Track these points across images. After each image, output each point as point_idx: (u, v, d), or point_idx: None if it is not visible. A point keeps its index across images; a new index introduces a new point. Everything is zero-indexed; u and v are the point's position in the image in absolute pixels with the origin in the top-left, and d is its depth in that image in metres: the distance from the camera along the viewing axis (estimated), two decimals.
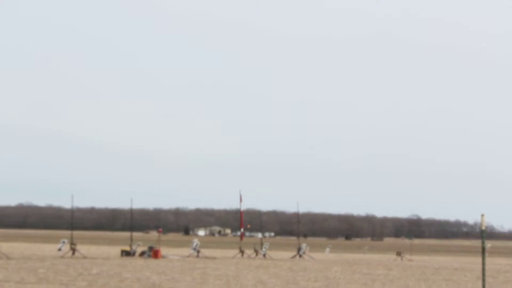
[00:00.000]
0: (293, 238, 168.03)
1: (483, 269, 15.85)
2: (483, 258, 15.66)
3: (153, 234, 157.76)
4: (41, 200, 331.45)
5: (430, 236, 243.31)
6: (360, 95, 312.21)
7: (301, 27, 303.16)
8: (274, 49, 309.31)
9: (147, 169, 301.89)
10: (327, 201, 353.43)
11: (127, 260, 33.67)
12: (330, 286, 20.94)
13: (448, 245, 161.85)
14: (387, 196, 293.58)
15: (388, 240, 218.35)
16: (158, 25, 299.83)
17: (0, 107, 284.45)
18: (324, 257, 50.82)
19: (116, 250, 47.11)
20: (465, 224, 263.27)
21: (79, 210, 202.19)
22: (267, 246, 43.63)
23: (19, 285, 18.17)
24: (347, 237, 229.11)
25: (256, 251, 42.34)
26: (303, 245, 46.47)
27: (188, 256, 39.56)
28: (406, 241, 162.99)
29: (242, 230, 46.53)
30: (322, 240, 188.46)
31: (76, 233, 41.69)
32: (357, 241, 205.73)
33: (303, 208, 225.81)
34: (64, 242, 39.84)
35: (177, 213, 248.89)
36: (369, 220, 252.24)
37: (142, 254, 37.45)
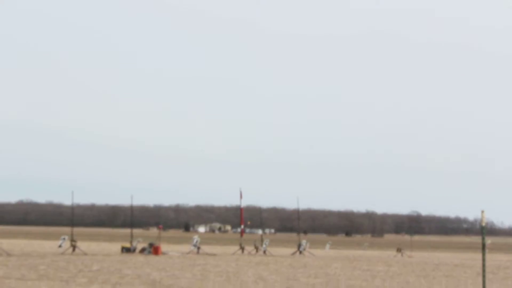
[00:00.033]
0: (293, 235, 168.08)
1: (483, 266, 15.86)
2: (483, 255, 15.66)
3: (153, 230, 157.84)
4: (41, 197, 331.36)
5: (430, 232, 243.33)
6: (359, 92, 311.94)
7: (301, 25, 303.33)
8: (274, 47, 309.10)
9: (147, 166, 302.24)
10: (327, 198, 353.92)
11: (128, 256, 33.70)
12: (330, 282, 20.94)
13: (448, 242, 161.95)
14: (387, 193, 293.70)
15: (388, 237, 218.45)
16: (158, 22, 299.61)
17: (0, 104, 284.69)
18: (324, 254, 50.84)
19: (116, 246, 47.12)
20: (465, 221, 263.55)
21: (79, 206, 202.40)
22: (267, 243, 43.64)
23: (20, 282, 18.18)
24: (347, 234, 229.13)
25: (257, 248, 42.36)
26: (303, 242, 46.47)
27: (189, 253, 39.58)
28: (407, 237, 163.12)
29: (242, 226, 46.53)
30: (322, 236, 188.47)
31: (77, 229, 41.71)
32: (357, 237, 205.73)
33: (303, 205, 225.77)
34: (64, 238, 39.82)
35: (177, 209, 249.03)
36: (369, 216, 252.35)
37: (142, 250, 37.46)
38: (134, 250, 37.96)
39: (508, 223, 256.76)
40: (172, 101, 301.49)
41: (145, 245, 38.49)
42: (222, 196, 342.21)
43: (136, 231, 63.43)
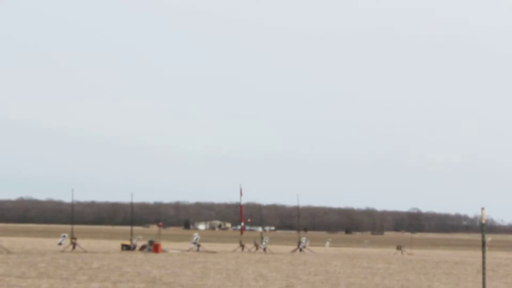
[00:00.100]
0: (293, 232, 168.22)
1: (483, 263, 15.85)
2: (483, 252, 15.65)
3: (154, 228, 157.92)
4: (41, 194, 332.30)
5: (430, 230, 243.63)
6: (360, 89, 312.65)
7: (301, 25, 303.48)
8: (275, 43, 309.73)
9: (148, 163, 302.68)
10: (327, 195, 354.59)
11: (128, 254, 33.70)
12: (330, 280, 20.95)
13: (448, 239, 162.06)
14: (387, 190, 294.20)
15: (388, 234, 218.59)
16: (158, 22, 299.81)
17: (0, 102, 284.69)
18: (324, 251, 50.86)
19: (116, 244, 47.13)
20: (465, 218, 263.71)
21: (80, 204, 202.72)
22: (267, 240, 43.64)
23: (20, 280, 18.18)
24: (347, 231, 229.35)
25: (257, 245, 42.37)
26: (303, 239, 46.47)
27: (189, 250, 39.57)
28: (407, 235, 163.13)
29: (242, 224, 46.56)
30: (322, 234, 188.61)
31: (77, 227, 41.74)
32: (357, 235, 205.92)
33: (303, 202, 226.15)
34: (64, 236, 39.81)
35: (177, 207, 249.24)
36: (369, 214, 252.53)
37: (142, 248, 37.47)
38: (134, 248, 37.96)
39: (508, 221, 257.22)
40: (172, 100, 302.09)
41: (145, 242, 38.48)
42: (222, 193, 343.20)
43: (136, 228, 63.45)
